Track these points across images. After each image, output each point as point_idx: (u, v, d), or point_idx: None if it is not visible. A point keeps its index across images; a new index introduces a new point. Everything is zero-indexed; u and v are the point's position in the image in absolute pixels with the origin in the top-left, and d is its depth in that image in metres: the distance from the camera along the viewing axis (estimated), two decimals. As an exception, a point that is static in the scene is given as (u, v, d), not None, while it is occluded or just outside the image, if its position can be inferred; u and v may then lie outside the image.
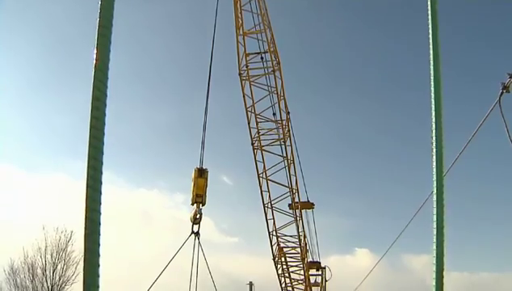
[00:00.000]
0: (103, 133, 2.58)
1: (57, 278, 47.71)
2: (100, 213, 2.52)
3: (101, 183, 2.53)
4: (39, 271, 48.44)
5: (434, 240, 3.07)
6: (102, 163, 2.55)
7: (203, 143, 18.62)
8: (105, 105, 2.62)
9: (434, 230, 3.08)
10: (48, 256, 48.39)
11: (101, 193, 2.52)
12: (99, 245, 2.50)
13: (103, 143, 2.56)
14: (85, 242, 2.51)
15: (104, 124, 2.59)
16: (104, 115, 2.59)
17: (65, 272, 46.46)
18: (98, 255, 2.50)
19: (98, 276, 2.50)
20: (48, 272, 48.17)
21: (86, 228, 2.49)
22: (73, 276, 48.41)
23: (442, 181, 3.13)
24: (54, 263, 48.41)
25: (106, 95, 2.62)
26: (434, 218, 3.07)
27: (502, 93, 7.69)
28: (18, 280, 48.55)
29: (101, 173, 2.53)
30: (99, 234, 2.51)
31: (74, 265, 48.26)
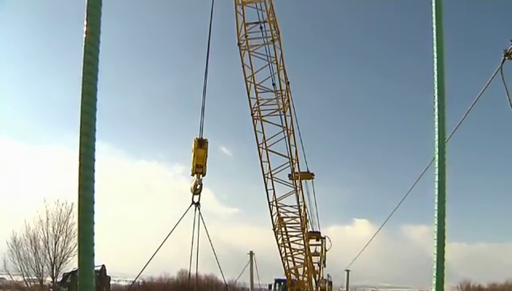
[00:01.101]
0: (95, 99, 2.51)
1: (59, 250, 48.18)
2: (94, 181, 2.46)
3: (94, 149, 2.47)
4: (41, 243, 48.87)
5: (436, 207, 3.01)
6: (94, 130, 2.48)
7: (202, 110, 18.50)
8: (97, 70, 2.54)
9: (435, 197, 3.03)
10: (50, 228, 48.80)
11: (94, 160, 2.46)
12: (93, 213, 2.45)
13: (95, 109, 2.50)
14: (79, 210, 2.46)
15: (96, 89, 2.52)
16: (96, 79, 2.51)
17: (66, 243, 46.89)
18: (93, 223, 2.45)
19: (93, 244, 2.45)
20: (50, 244, 48.64)
21: (80, 196, 2.43)
22: (76, 248, 48.72)
23: (444, 147, 3.07)
24: (56, 235, 48.82)
25: (97, 60, 2.54)
26: (436, 185, 3.01)
27: (504, 60, 7.57)
28: (21, 253, 49.04)
29: (94, 139, 2.47)
30: (93, 202, 2.46)
31: (76, 237, 48.46)
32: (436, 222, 3.03)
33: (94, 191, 2.45)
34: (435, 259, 3.02)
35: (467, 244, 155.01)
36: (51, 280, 49.78)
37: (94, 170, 2.46)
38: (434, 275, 3.04)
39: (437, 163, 3.05)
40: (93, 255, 2.45)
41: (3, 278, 62.09)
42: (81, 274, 2.44)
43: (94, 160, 2.47)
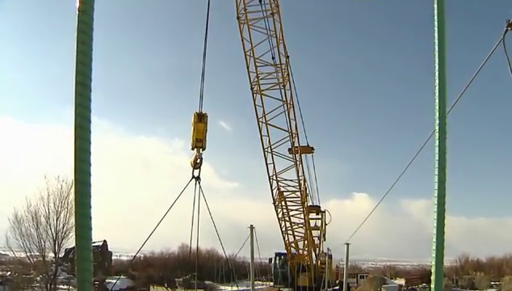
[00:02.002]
0: (90, 69, 2.44)
1: (61, 226, 48.35)
2: (90, 153, 2.41)
3: (89, 121, 2.41)
4: (42, 219, 49.03)
5: (436, 181, 2.96)
6: (90, 100, 2.42)
7: (202, 83, 18.36)
8: (91, 38, 2.47)
9: (436, 170, 2.98)
10: (51, 205, 48.87)
11: (90, 132, 2.40)
12: (90, 186, 2.40)
13: (90, 79, 2.43)
14: (75, 184, 2.41)
15: (91, 59, 2.45)
16: (91, 49, 2.44)
17: (68, 219, 47.04)
18: (90, 196, 2.41)
19: (90, 217, 2.41)
20: (51, 220, 48.76)
21: (75, 170, 2.38)
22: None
23: (445, 119, 3.01)
24: (57, 211, 48.94)
25: (91, 29, 2.47)
26: (436, 157, 2.96)
27: (507, 30, 7.44)
28: (23, 229, 49.23)
29: (89, 110, 2.40)
30: (90, 175, 2.41)
31: (76, 213, 48.67)
32: (436, 195, 2.98)
33: (90, 164, 2.40)
34: (435, 233, 2.98)
35: (466, 218, 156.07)
36: (53, 255, 50.14)
37: (90, 143, 2.41)
38: (434, 248, 3.01)
39: (437, 135, 2.99)
40: (90, 229, 2.40)
41: (6, 254, 62.57)
42: (79, 249, 2.40)
43: (90, 132, 2.41)
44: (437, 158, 2.91)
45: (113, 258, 73.68)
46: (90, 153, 2.40)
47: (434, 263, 3.00)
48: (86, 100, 2.40)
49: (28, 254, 50.05)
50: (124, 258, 79.05)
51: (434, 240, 2.97)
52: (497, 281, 68.67)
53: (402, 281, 63.01)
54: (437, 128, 2.93)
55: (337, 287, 44.85)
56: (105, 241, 66.29)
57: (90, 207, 2.42)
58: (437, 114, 2.95)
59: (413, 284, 56.82)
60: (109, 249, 69.18)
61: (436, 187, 2.89)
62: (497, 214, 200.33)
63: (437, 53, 3.02)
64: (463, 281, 69.07)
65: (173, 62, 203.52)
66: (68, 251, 54.21)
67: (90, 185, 2.41)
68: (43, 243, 49.02)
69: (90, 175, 2.40)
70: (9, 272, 56.13)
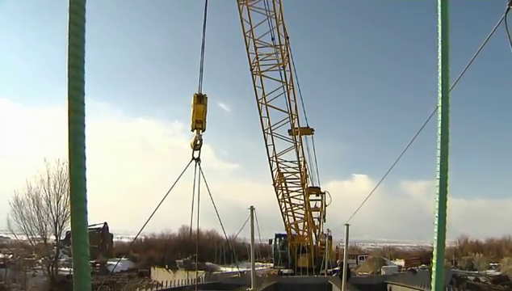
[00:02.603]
0: (83, 51, 2.38)
1: (62, 208, 48.52)
2: (84, 136, 2.35)
3: (83, 103, 2.36)
4: (43, 202, 49.16)
5: (438, 158, 2.92)
6: (83, 82, 2.36)
7: (201, 65, 18.22)
8: (84, 20, 2.40)
9: (438, 151, 2.93)
10: (52, 187, 48.97)
11: (84, 115, 2.35)
12: (85, 169, 2.36)
13: (83, 61, 2.37)
14: (70, 167, 2.36)
15: (84, 41, 2.39)
16: (83, 30, 2.38)
17: (68, 202, 47.25)
18: (85, 180, 2.36)
19: (86, 201, 2.36)
20: (52, 203, 48.92)
21: (70, 152, 2.33)
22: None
23: (448, 94, 2.96)
24: (58, 194, 49.05)
25: (84, 9, 2.40)
26: (439, 133, 2.91)
27: (509, 9, 7.32)
28: (24, 212, 49.38)
29: (83, 93, 2.35)
30: (85, 158, 2.36)
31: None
32: (438, 176, 2.93)
33: (85, 147, 2.35)
34: (436, 214, 2.94)
35: (465, 200, 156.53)
36: (54, 238, 50.32)
37: (84, 125, 2.35)
38: (435, 230, 2.97)
39: (440, 111, 2.94)
40: (86, 212, 2.36)
41: (8, 237, 62.85)
42: (75, 232, 2.36)
43: (84, 115, 2.36)
44: (439, 132, 2.86)
45: (114, 240, 74.03)
46: (84, 136, 2.35)
47: (435, 244, 2.96)
48: (80, 83, 2.35)
49: (30, 237, 50.25)
50: (125, 240, 79.40)
51: (436, 222, 2.94)
52: (496, 262, 69.13)
53: (402, 262, 63.34)
54: (439, 102, 2.88)
55: (338, 268, 45.06)
56: (106, 223, 66.50)
57: (86, 190, 2.38)
58: (440, 88, 2.89)
59: (412, 265, 57.09)
60: (110, 231, 69.44)
61: (438, 161, 2.85)
62: (496, 196, 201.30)
63: (440, 26, 2.97)
64: (463, 262, 69.44)
65: (171, 42, 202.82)
66: (69, 234, 54.13)
67: (85, 168, 2.36)
68: (44, 226, 49.23)
69: (85, 158, 2.36)
70: (11, 255, 56.42)
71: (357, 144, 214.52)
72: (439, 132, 2.87)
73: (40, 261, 50.63)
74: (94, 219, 64.26)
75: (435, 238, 2.94)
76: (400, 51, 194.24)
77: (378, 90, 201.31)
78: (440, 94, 2.88)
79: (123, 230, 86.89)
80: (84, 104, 2.36)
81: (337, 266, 45.87)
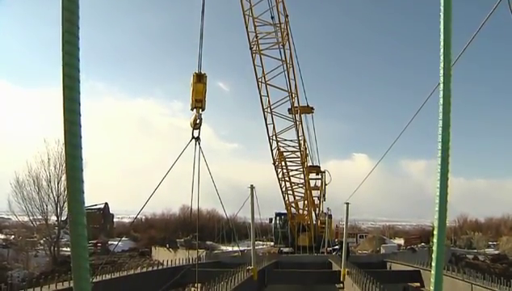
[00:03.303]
0: (77, 27, 2.32)
1: (62, 189, 48.64)
2: (80, 115, 2.31)
3: (78, 81, 2.30)
4: (44, 183, 49.34)
5: (440, 129, 2.87)
6: (78, 60, 2.30)
7: (201, 36, 18.07)
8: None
9: (440, 121, 2.89)
10: (52, 168, 49.12)
11: (79, 93, 2.30)
12: (81, 148, 2.31)
13: (78, 38, 2.31)
14: (65, 147, 2.32)
15: (79, 17, 2.33)
16: (77, 7, 2.31)
17: (70, 182, 47.44)
18: (81, 159, 2.32)
19: (83, 181, 2.33)
20: (52, 184, 49.12)
21: (65, 132, 2.29)
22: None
23: (450, 70, 2.91)
24: (58, 174, 49.23)
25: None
26: (440, 103, 2.86)
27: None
28: (25, 193, 49.61)
29: (78, 70, 2.29)
30: (81, 137, 2.31)
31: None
32: (440, 153, 2.89)
33: (80, 126, 2.30)
34: (438, 193, 2.91)
35: (465, 179, 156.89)
36: (56, 218, 50.56)
37: (79, 104, 2.30)
38: (437, 209, 2.94)
39: (442, 85, 2.89)
40: (82, 192, 2.32)
41: (9, 218, 63.11)
42: (72, 213, 2.33)
43: (80, 93, 2.31)
44: (441, 102, 2.82)
45: (115, 220, 74.27)
46: (80, 114, 2.30)
47: (436, 222, 2.93)
48: (74, 60, 2.29)
49: (31, 217, 50.55)
50: (126, 220, 79.66)
51: (437, 199, 2.90)
52: (495, 241, 69.57)
53: (401, 241, 63.59)
54: (441, 72, 2.83)
55: (337, 246, 45.32)
56: (106, 203, 66.68)
57: (82, 170, 2.34)
58: (441, 64, 2.84)
59: (411, 244, 57.31)
60: (111, 211, 69.67)
61: (440, 132, 2.81)
62: (496, 176, 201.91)
63: (442, 2, 2.91)
64: (462, 241, 69.81)
65: (169, 21, 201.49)
66: (70, 215, 54.57)
67: (81, 147, 2.32)
68: (45, 207, 49.52)
69: (80, 137, 2.31)
70: (13, 236, 56.72)
71: (357, 123, 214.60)
72: (441, 102, 2.82)
73: (42, 241, 50.95)
74: (94, 199, 64.46)
75: (436, 209, 2.90)
76: (401, 30, 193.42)
77: (378, 69, 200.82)
78: (442, 71, 2.83)
79: (124, 210, 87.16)
80: (79, 82, 2.31)
81: (336, 244, 46.13)
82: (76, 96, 2.29)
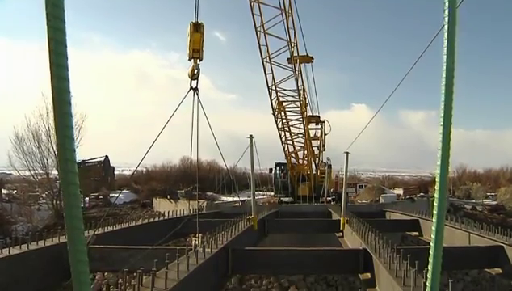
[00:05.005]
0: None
1: (62, 143, 48.73)
2: (68, 70, 2.20)
3: (64, 33, 2.18)
4: (43, 137, 49.38)
5: (443, 72, 2.78)
6: (63, 11, 2.18)
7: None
8: None
9: (443, 64, 2.79)
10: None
11: (66, 46, 2.18)
12: (70, 105, 2.22)
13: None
14: (54, 104, 2.22)
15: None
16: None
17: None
18: (71, 116, 2.23)
19: (73, 139, 2.24)
20: (52, 138, 49.08)
21: (53, 87, 2.19)
22: (77, 140, 49.34)
23: (455, 11, 2.79)
24: (57, 128, 49.22)
25: None
26: (444, 46, 2.76)
27: None
28: (25, 148, 49.72)
29: (63, 21, 2.17)
30: (69, 93, 2.21)
31: (77, 129, 49.03)
32: (443, 98, 2.80)
33: (68, 82, 2.20)
34: (440, 140, 2.84)
35: (464, 130, 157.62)
36: (57, 172, 50.79)
37: (66, 58, 2.19)
38: (439, 156, 2.88)
39: (446, 27, 2.78)
40: (74, 151, 2.24)
41: (11, 173, 63.46)
42: (63, 173, 2.25)
43: (66, 46, 2.19)
44: (445, 45, 2.71)
45: (116, 173, 74.67)
46: (67, 69, 2.20)
47: (438, 171, 2.87)
48: (59, 10, 2.16)
49: (32, 172, 50.80)
50: (127, 172, 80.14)
51: (439, 150, 2.83)
52: (493, 192, 70.16)
53: (400, 191, 64.11)
54: (446, 12, 2.72)
55: (334, 196, 45.83)
56: (107, 156, 66.88)
57: (72, 128, 2.25)
58: (446, 3, 2.72)
59: (410, 194, 57.87)
60: (111, 164, 69.95)
61: (444, 75, 2.72)
62: (495, 127, 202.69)
63: None
64: (460, 192, 70.44)
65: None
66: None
67: (70, 104, 2.22)
68: (45, 161, 49.68)
69: (69, 92, 2.21)
70: (15, 191, 57.16)
71: (356, 73, 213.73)
72: (445, 45, 2.72)
73: (44, 195, 51.39)
74: (95, 152, 64.70)
75: (438, 163, 2.85)
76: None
77: (378, 18, 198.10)
78: (447, 11, 2.71)
79: (125, 163, 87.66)
80: (65, 34, 2.18)
81: (333, 195, 46.70)
82: (62, 49, 2.18)
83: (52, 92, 2.18)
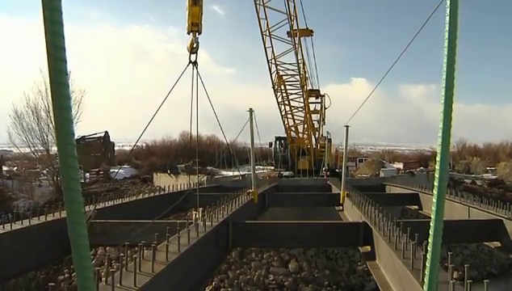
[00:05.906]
0: None
1: (61, 119, 48.72)
2: (65, 50, 2.17)
3: (60, 12, 2.15)
4: (42, 113, 49.34)
5: (446, 41, 2.76)
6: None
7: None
8: None
9: (446, 32, 2.76)
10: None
11: (62, 25, 2.15)
12: (68, 86, 2.20)
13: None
14: (51, 86, 2.20)
15: None
16: None
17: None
18: (69, 99, 2.21)
19: (70, 98, 2.22)
20: (51, 114, 48.92)
21: (49, 66, 2.17)
22: (77, 115, 49.29)
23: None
24: (56, 104, 49.19)
25: None
26: (447, 19, 2.73)
27: None
28: (25, 124, 49.69)
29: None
30: (66, 74, 2.19)
31: (76, 104, 48.91)
32: (444, 76, 2.78)
33: (66, 62, 2.17)
34: (441, 116, 2.82)
35: (465, 105, 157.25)
36: (57, 148, 50.90)
37: (63, 38, 2.16)
38: (440, 135, 2.88)
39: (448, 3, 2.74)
40: (71, 122, 2.23)
41: (11, 151, 63.55)
42: (61, 146, 2.25)
43: (62, 25, 2.16)
44: (446, 52, 2.69)
45: (116, 148, 74.70)
46: (64, 49, 2.17)
47: (439, 143, 2.87)
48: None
49: (32, 148, 50.88)
50: (127, 148, 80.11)
51: (441, 126, 2.82)
52: (493, 167, 70.36)
53: (400, 165, 64.22)
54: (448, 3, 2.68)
55: (328, 172, 45.77)
56: (106, 132, 66.87)
57: (70, 98, 2.24)
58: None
59: (410, 168, 58.01)
60: (111, 140, 69.96)
61: (445, 52, 2.70)
62: (496, 101, 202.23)
63: None
64: (460, 166, 70.55)
65: None
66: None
67: (66, 73, 2.20)
68: (45, 137, 49.70)
69: (65, 61, 2.18)
70: (15, 167, 57.31)
71: (356, 47, 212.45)
72: (447, 14, 2.69)
73: (45, 172, 51.59)
74: (94, 128, 64.62)
75: (439, 138, 2.83)
76: None
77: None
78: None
79: (125, 139, 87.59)
80: (61, 13, 2.14)
81: (336, 168, 46.79)
82: (58, 29, 2.15)
83: (48, 60, 2.16)
